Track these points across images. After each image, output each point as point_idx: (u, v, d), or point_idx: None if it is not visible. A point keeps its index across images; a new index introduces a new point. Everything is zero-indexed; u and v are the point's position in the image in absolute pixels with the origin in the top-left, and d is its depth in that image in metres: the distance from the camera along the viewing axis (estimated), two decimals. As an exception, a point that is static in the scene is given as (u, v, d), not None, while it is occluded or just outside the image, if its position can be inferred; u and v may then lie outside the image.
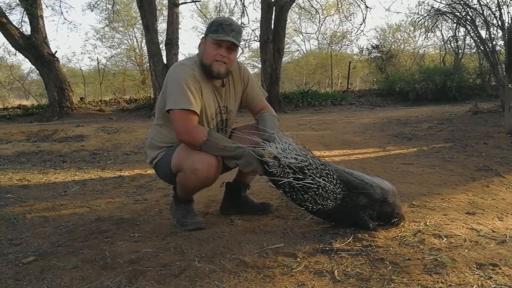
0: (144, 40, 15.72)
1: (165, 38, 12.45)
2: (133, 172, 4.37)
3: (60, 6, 20.30)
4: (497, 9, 8.32)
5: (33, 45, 12.06)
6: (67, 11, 36.93)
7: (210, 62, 2.30)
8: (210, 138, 2.22)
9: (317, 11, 16.38)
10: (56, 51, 12.74)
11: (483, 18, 8.74)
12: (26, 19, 12.59)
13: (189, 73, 2.28)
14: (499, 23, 8.35)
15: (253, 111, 2.61)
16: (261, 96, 2.62)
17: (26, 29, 12.65)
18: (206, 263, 1.91)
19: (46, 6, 15.60)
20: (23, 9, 12.46)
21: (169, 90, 2.28)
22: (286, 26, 13.93)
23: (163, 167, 2.43)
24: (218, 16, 17.11)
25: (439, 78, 13.27)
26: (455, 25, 11.95)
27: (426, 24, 11.77)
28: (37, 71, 13.45)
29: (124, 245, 2.21)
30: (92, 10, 26.24)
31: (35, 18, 12.22)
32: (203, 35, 2.38)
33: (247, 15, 24.12)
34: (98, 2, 16.49)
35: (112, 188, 3.65)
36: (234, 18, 18.52)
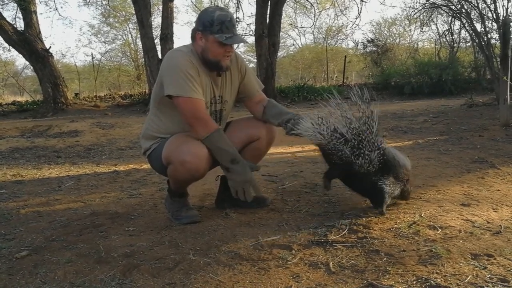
0: (138, 35, 15.63)
1: (159, 33, 12.38)
2: (128, 167, 4.35)
3: (54, 1, 20.07)
4: (492, 2, 8.31)
5: (27, 41, 11.95)
6: (61, 7, 36.71)
7: (218, 59, 2.29)
8: (220, 133, 2.26)
9: (312, 5, 16.36)
10: (50, 47, 12.63)
11: (478, 11, 8.73)
12: (20, 14, 12.48)
13: (188, 59, 2.26)
14: (494, 16, 8.34)
15: (249, 102, 2.59)
16: (258, 88, 2.61)
17: (20, 24, 12.56)
18: (200, 256, 1.90)
19: (40, 2, 15.45)
20: (16, 4, 12.36)
21: (170, 76, 2.24)
22: (282, 21, 13.91)
23: (156, 159, 2.41)
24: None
25: (435, 72, 13.27)
26: (450, 18, 11.99)
27: (421, 17, 11.78)
28: (31, 67, 13.35)
29: (119, 239, 2.20)
30: (88, 7, 26.09)
31: (28, 13, 12.11)
32: (200, 29, 2.28)
33: (242, 9, 24.03)
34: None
35: (107, 183, 3.63)
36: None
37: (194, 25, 2.37)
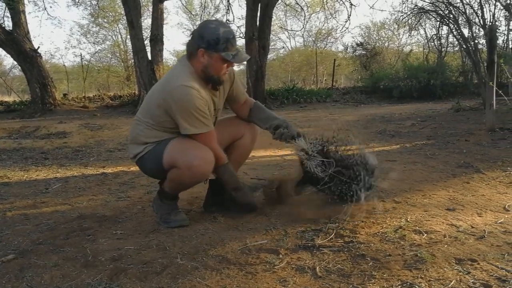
0: (128, 36, 15.57)
1: (149, 34, 12.34)
2: (116, 169, 4.33)
3: (43, 1, 19.89)
4: (479, 8, 8.44)
5: (15, 41, 11.83)
6: (51, 7, 36.10)
7: (219, 75, 2.33)
8: (227, 166, 2.46)
9: (302, 8, 16.40)
10: (39, 47, 12.49)
11: (465, 17, 8.84)
12: (9, 14, 12.36)
13: (198, 97, 2.24)
14: (481, 22, 8.47)
15: (236, 105, 2.65)
16: (244, 91, 2.67)
17: (8, 24, 12.44)
18: (188, 260, 1.91)
19: (28, 1, 15.25)
20: (4, 4, 12.23)
21: (186, 118, 2.25)
22: (272, 23, 13.90)
23: (150, 161, 2.39)
24: (204, 13, 17.01)
25: (423, 76, 13.39)
26: (438, 23, 12.10)
27: (409, 22, 11.86)
28: (19, 67, 13.20)
29: (106, 242, 2.19)
30: (77, 6, 25.82)
31: (16, 13, 11.99)
32: (203, 47, 2.25)
33: (232, 12, 24.01)
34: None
35: (94, 185, 3.61)
36: (219, 16, 18.27)
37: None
